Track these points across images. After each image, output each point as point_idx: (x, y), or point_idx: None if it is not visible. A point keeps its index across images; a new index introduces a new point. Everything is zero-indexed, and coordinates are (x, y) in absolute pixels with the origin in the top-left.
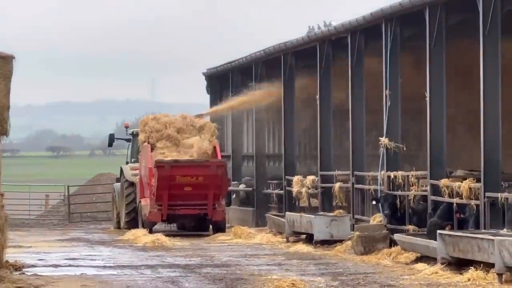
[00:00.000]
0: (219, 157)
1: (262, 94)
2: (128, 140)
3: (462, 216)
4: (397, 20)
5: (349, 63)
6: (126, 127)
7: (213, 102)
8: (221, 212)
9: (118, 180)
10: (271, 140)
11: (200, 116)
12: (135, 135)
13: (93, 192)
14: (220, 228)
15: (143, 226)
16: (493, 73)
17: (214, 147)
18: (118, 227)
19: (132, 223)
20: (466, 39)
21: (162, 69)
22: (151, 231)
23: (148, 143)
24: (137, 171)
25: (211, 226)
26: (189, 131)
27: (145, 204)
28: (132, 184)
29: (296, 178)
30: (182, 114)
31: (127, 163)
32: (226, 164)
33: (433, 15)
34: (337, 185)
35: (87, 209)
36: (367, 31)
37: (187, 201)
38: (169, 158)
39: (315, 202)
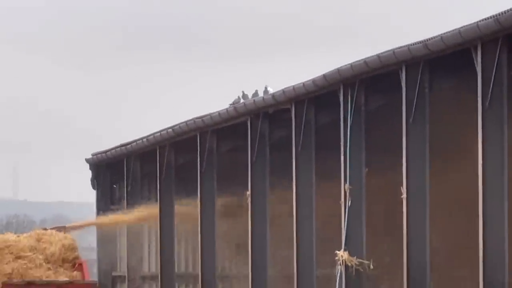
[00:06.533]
0: (87, 278)
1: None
2: None
3: None
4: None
5: (293, 148)
6: None
7: (102, 200)
8: None
9: None
10: (182, 257)
11: (61, 229)
12: None
13: None
14: None
15: None
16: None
17: (81, 265)
18: None
19: None
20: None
21: (27, 153)
22: None
23: None
24: None
25: None
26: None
27: None
28: None
29: None
30: (29, 235)
31: None
32: (96, 286)
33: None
34: None
35: None
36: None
37: None
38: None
39: None
